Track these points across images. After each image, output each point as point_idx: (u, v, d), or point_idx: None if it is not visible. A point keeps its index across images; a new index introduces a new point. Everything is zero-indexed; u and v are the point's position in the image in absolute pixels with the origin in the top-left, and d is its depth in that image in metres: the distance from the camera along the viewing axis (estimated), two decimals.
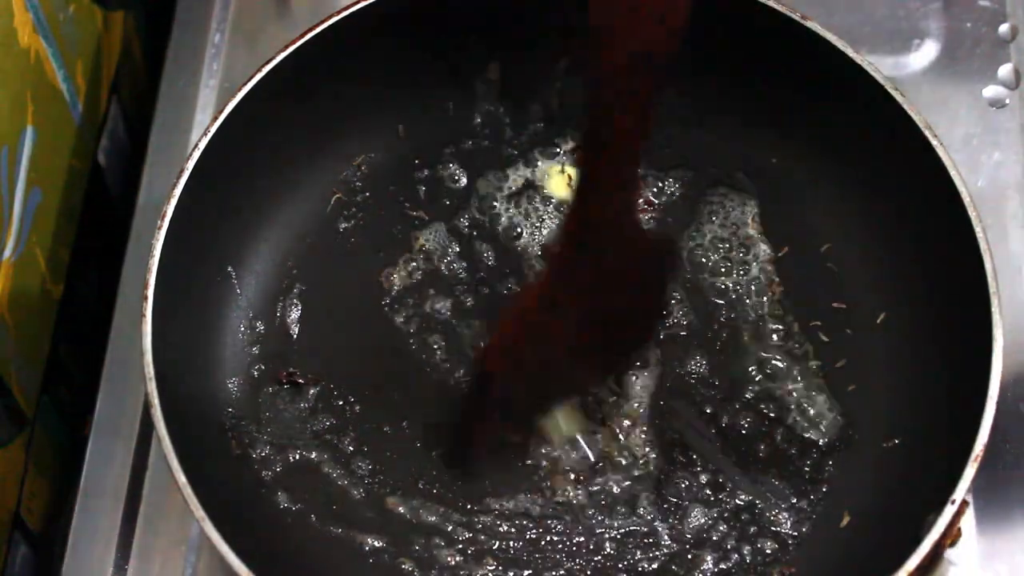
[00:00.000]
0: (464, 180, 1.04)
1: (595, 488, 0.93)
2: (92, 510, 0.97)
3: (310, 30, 0.96)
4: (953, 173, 0.91)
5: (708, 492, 0.93)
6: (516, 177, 1.04)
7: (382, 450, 0.95)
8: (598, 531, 0.92)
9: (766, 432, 0.95)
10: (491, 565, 0.91)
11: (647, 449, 0.94)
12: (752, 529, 0.92)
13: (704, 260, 1.01)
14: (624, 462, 0.94)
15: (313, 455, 0.95)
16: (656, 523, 0.92)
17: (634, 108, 0.79)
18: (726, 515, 0.92)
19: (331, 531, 0.92)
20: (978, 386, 0.85)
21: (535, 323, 0.88)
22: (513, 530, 0.92)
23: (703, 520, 0.92)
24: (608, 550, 0.92)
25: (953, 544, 0.85)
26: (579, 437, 0.94)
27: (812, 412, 0.95)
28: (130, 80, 1.18)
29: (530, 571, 0.91)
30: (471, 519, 0.92)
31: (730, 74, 1.01)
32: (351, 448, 0.95)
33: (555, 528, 0.92)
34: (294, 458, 0.94)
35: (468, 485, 0.93)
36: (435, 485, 0.94)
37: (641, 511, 0.93)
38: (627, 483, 0.93)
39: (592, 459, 0.94)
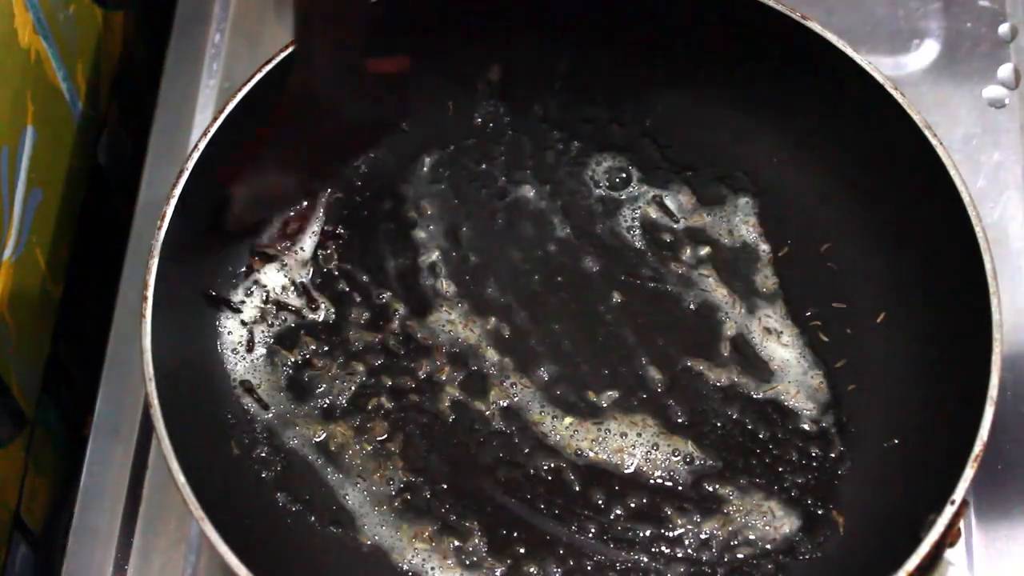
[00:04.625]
0: (465, 180, 1.04)
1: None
2: (92, 510, 0.97)
3: None
4: (953, 173, 0.91)
5: (707, 493, 0.93)
6: (517, 177, 1.04)
7: (383, 449, 0.95)
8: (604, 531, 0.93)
9: (765, 432, 0.95)
10: (490, 566, 0.91)
11: (646, 451, 0.95)
12: (752, 529, 0.92)
13: (704, 260, 1.01)
14: (627, 461, 0.94)
15: (314, 455, 0.95)
16: (656, 524, 0.92)
17: None
18: (726, 515, 0.93)
19: (331, 531, 0.92)
20: (978, 386, 0.85)
21: None
22: (515, 531, 0.92)
23: (702, 519, 0.92)
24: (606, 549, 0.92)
25: (953, 544, 0.85)
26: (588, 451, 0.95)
27: (812, 413, 0.95)
28: (130, 80, 1.18)
29: (533, 568, 0.91)
30: (472, 520, 0.93)
31: (730, 74, 1.01)
32: (351, 447, 0.95)
33: (559, 519, 0.92)
34: (294, 459, 0.94)
35: (470, 486, 0.93)
36: (435, 485, 0.94)
37: (640, 506, 0.93)
38: (626, 478, 0.94)
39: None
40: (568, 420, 0.95)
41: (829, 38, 0.95)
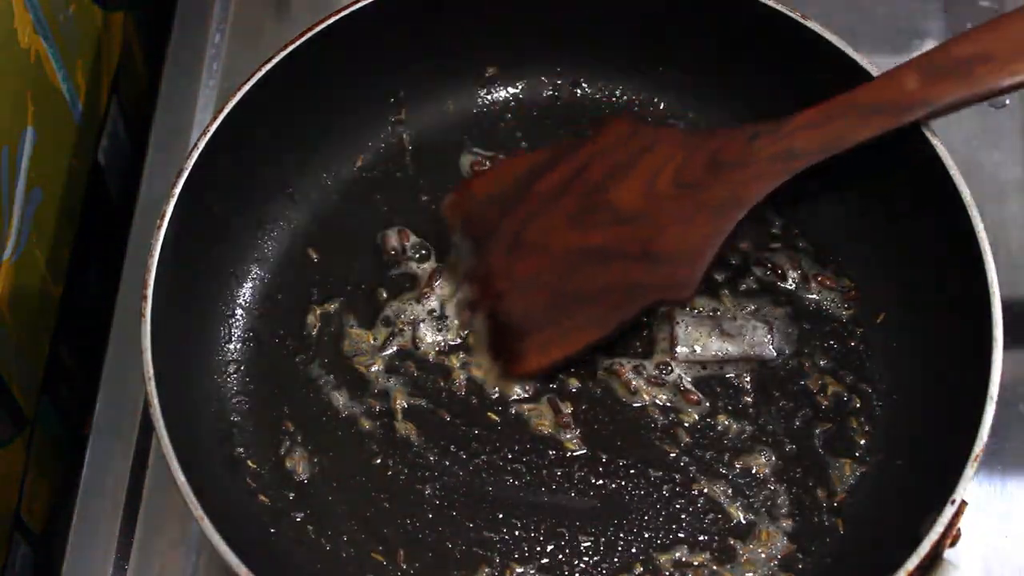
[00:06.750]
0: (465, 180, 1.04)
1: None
2: (92, 510, 0.97)
3: (310, 30, 0.96)
4: (953, 173, 0.91)
5: (706, 496, 0.93)
6: None
7: (381, 449, 0.95)
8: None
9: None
10: (490, 570, 0.91)
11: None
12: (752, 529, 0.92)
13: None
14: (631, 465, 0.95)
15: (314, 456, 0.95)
16: (654, 530, 0.92)
17: None
18: (726, 515, 0.93)
19: (331, 532, 0.92)
20: (978, 386, 0.85)
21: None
22: (516, 535, 0.92)
23: (702, 521, 0.92)
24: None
25: (953, 544, 0.85)
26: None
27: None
28: (130, 80, 1.18)
29: (534, 571, 0.91)
30: (473, 524, 0.93)
31: (730, 74, 1.01)
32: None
33: (564, 523, 0.92)
34: (293, 460, 0.94)
35: (470, 492, 0.93)
36: (437, 488, 0.94)
37: (634, 503, 0.93)
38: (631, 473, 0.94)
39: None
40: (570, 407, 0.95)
41: (829, 38, 0.95)
